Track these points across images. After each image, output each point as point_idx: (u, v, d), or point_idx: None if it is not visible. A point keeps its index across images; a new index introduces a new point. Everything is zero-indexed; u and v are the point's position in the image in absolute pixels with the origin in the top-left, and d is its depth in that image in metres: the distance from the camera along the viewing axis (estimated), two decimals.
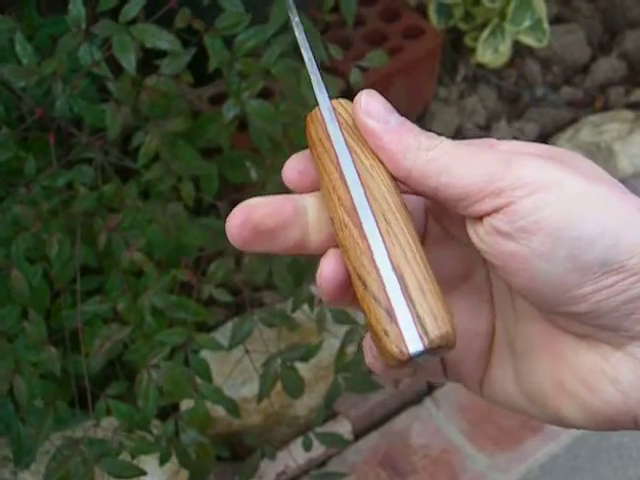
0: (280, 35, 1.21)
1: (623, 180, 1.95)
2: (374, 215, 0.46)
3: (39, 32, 1.36)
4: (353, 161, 0.48)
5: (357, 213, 0.46)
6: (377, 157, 0.49)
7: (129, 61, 1.11)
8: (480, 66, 2.18)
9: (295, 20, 0.54)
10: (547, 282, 0.47)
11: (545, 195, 0.46)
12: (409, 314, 0.43)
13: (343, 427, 1.69)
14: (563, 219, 0.46)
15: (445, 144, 0.49)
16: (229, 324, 1.62)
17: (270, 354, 1.28)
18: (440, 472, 1.68)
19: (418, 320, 0.43)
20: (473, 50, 2.13)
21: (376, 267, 0.45)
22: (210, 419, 1.24)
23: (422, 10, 2.09)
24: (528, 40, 2.09)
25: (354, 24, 1.29)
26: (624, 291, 0.46)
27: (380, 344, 0.44)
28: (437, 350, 0.43)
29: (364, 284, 0.45)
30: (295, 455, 1.59)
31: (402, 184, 0.49)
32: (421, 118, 2.13)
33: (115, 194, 1.24)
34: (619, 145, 1.98)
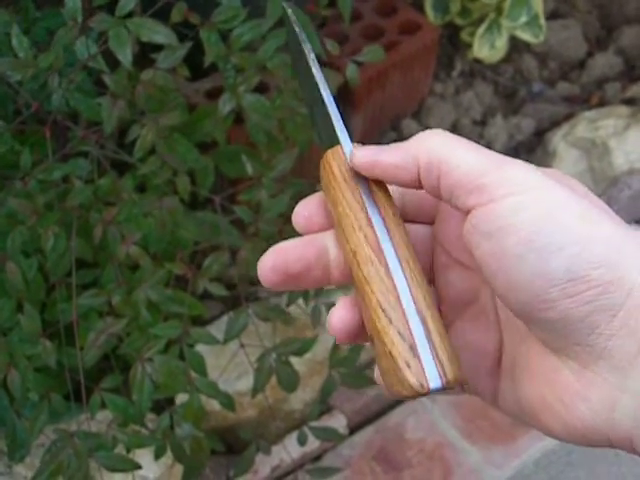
0: (276, 29, 1.21)
1: (618, 177, 1.95)
2: (398, 258, 0.50)
3: (35, 26, 1.35)
4: (376, 204, 0.52)
5: (383, 252, 0.50)
6: (393, 206, 0.53)
7: (125, 55, 1.11)
8: (476, 61, 2.18)
9: (311, 57, 0.57)
10: (520, 285, 0.48)
11: (524, 198, 0.48)
12: (430, 354, 0.48)
13: (338, 421, 1.69)
14: (538, 224, 0.47)
15: (446, 134, 0.51)
16: (224, 318, 1.62)
17: (265, 348, 1.28)
18: (435, 467, 1.69)
19: (438, 361, 0.48)
20: (469, 45, 2.13)
21: (401, 306, 0.49)
22: (205, 413, 1.24)
23: (418, 5, 2.09)
24: (525, 35, 2.09)
25: (350, 19, 1.29)
26: (588, 302, 0.47)
27: (399, 374, 0.47)
28: (448, 389, 0.48)
29: (389, 318, 0.49)
30: (290, 449, 1.59)
31: (410, 188, 0.53)
32: (417, 113, 2.13)
33: (111, 188, 1.24)
34: (615, 141, 1.98)
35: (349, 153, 0.54)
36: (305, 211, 0.56)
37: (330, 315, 0.53)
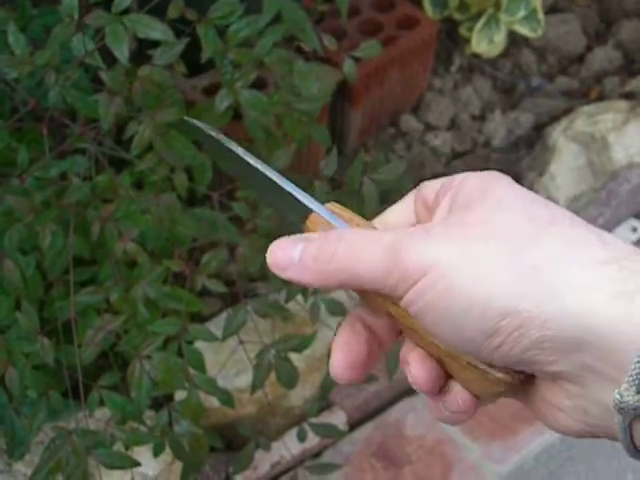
0: (273, 25, 1.21)
1: (617, 171, 1.95)
2: None
3: (32, 23, 1.35)
4: None
5: None
6: None
7: (122, 51, 1.11)
8: (475, 56, 2.18)
9: (240, 151, 0.61)
10: (456, 345, 0.51)
11: (424, 282, 0.50)
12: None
13: (338, 418, 1.69)
14: (441, 300, 0.50)
15: (338, 246, 0.53)
16: (223, 315, 1.62)
17: (264, 345, 1.28)
18: (435, 463, 1.69)
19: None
20: (468, 40, 2.13)
21: None
22: (204, 410, 1.24)
23: (417, 0, 2.08)
24: (523, 30, 2.09)
25: (348, 14, 1.29)
26: (515, 345, 0.49)
27: (489, 377, 0.52)
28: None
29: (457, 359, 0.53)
30: (290, 446, 1.59)
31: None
32: (416, 109, 2.13)
33: (108, 184, 1.23)
34: (614, 135, 1.98)
35: (324, 214, 0.56)
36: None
37: (410, 374, 0.55)
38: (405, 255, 0.51)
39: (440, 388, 0.55)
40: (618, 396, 0.46)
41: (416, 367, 0.54)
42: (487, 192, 0.53)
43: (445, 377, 0.55)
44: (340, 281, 0.53)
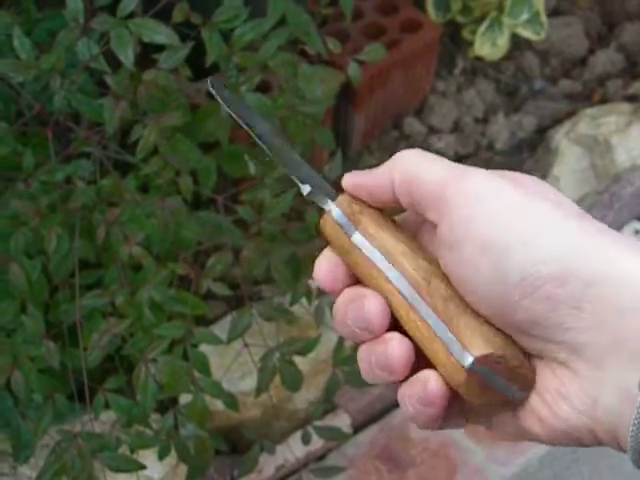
0: (278, 28, 1.21)
1: (620, 174, 1.95)
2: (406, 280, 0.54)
3: (37, 27, 1.35)
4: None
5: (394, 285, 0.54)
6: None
7: (127, 55, 1.11)
8: (478, 59, 2.18)
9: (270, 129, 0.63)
10: (482, 292, 0.50)
11: (476, 209, 0.50)
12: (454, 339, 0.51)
13: (342, 421, 1.69)
14: (490, 230, 0.49)
15: (419, 153, 0.55)
16: (228, 318, 1.62)
17: (269, 348, 1.28)
18: (439, 465, 1.69)
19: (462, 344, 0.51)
20: (471, 43, 2.13)
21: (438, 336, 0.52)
22: (209, 413, 1.24)
23: (420, 3, 2.08)
24: (526, 33, 2.09)
25: (352, 17, 1.29)
26: (547, 297, 0.48)
27: (450, 362, 0.51)
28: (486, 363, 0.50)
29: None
30: (294, 449, 1.59)
31: (392, 206, 0.57)
32: (419, 112, 2.13)
33: (113, 188, 1.24)
34: (617, 138, 1.98)
35: (332, 209, 0.58)
36: (324, 269, 0.58)
37: (388, 352, 0.54)
38: (468, 179, 0.52)
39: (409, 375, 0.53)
40: None
41: (393, 345, 0.53)
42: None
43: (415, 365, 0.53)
44: (396, 183, 0.54)
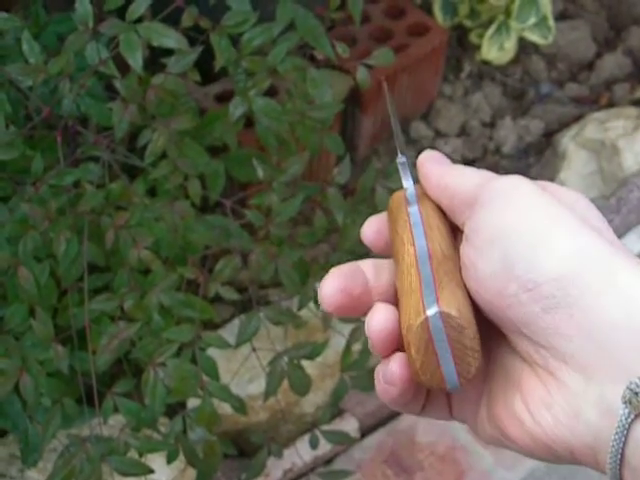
0: (286, 33, 1.22)
1: (627, 178, 1.95)
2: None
3: (46, 31, 1.36)
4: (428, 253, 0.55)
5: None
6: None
7: (136, 60, 1.12)
8: (485, 63, 2.18)
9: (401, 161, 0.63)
10: (485, 280, 0.51)
11: (499, 202, 0.52)
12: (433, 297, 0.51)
13: (349, 425, 1.69)
14: (506, 221, 0.51)
15: (456, 167, 0.58)
16: (236, 322, 1.62)
17: (277, 352, 1.28)
18: (446, 470, 1.69)
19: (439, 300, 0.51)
20: (478, 47, 2.13)
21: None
22: (217, 417, 1.24)
23: (427, 7, 2.09)
24: (533, 37, 2.09)
25: (360, 21, 1.29)
26: (544, 297, 0.48)
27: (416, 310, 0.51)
28: (447, 323, 0.50)
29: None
30: (302, 452, 1.59)
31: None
32: (426, 115, 2.13)
33: (122, 192, 1.24)
34: (624, 142, 1.98)
35: (409, 187, 0.60)
36: (374, 227, 0.60)
37: (369, 319, 0.54)
38: (496, 180, 0.54)
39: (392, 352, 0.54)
40: (637, 380, 0.44)
41: (378, 317, 0.53)
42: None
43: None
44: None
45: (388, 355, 0.53)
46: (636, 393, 0.44)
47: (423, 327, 0.50)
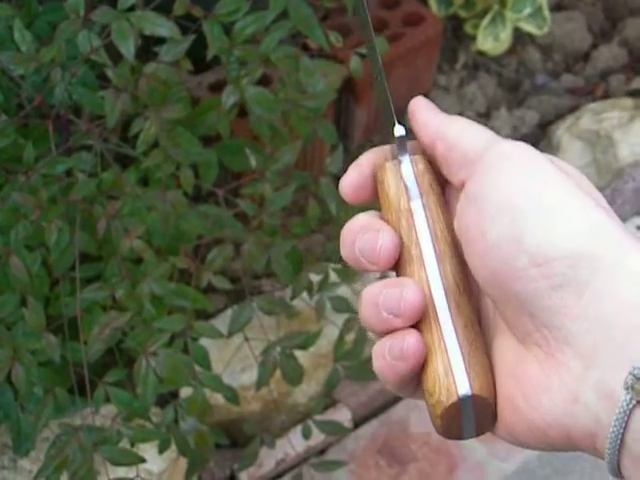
0: (279, 22, 1.21)
1: (622, 169, 1.95)
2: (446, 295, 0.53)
3: (38, 19, 1.35)
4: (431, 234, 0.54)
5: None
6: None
7: (128, 48, 1.11)
8: (480, 54, 2.18)
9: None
10: (492, 249, 0.49)
11: (512, 166, 0.50)
12: (462, 365, 0.51)
13: (342, 415, 1.69)
14: (516, 189, 0.49)
15: (460, 119, 0.56)
16: (228, 312, 1.62)
17: (269, 342, 1.28)
18: (439, 460, 1.69)
19: (468, 373, 0.51)
20: (473, 38, 2.13)
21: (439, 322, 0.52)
22: (209, 407, 1.24)
23: None
24: (529, 27, 2.09)
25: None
26: (556, 274, 0.47)
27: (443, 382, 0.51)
28: (476, 403, 0.51)
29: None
30: (294, 443, 1.59)
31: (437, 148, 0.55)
32: None
33: (114, 181, 1.23)
34: (619, 133, 1.97)
35: (406, 166, 0.56)
36: (354, 183, 0.57)
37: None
38: (501, 142, 0.52)
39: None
40: (638, 368, 0.44)
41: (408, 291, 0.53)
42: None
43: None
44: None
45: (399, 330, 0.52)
46: (638, 379, 0.44)
47: (454, 405, 0.51)
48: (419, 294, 0.52)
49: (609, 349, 0.46)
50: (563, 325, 0.47)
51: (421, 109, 0.58)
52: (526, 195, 0.49)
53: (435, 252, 0.53)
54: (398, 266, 0.54)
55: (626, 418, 0.44)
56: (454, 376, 0.50)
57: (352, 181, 0.56)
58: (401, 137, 0.57)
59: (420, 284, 0.52)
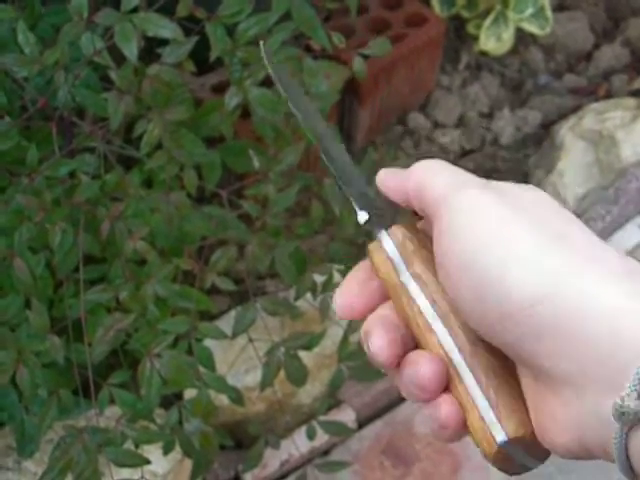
0: (282, 23, 1.21)
1: (625, 168, 1.95)
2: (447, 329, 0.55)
3: (41, 21, 1.35)
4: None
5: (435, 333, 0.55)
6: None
7: (131, 50, 1.11)
8: (483, 54, 2.18)
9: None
10: (465, 310, 0.52)
11: (461, 224, 0.51)
12: (492, 413, 0.53)
13: (347, 415, 1.69)
14: (472, 247, 0.50)
15: (434, 162, 0.56)
16: (232, 313, 1.62)
17: (273, 343, 1.28)
18: (443, 461, 1.69)
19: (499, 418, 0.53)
20: (476, 38, 2.13)
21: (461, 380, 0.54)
22: (214, 408, 1.24)
23: None
24: (531, 27, 2.09)
25: (356, 12, 1.29)
26: (522, 325, 0.48)
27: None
28: (517, 443, 0.53)
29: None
30: (299, 444, 1.59)
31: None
32: (424, 106, 2.13)
33: (118, 183, 1.23)
34: (622, 133, 1.97)
35: (385, 242, 0.57)
36: (346, 300, 0.58)
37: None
38: (464, 189, 0.52)
39: (399, 361, 0.55)
40: (619, 401, 0.44)
41: (379, 335, 0.54)
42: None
43: (404, 349, 0.55)
44: (410, 189, 0.56)
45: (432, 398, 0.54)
46: (622, 413, 0.45)
47: (498, 452, 0.53)
48: (432, 367, 0.53)
49: (594, 382, 0.47)
50: (546, 367, 0.49)
51: (387, 179, 0.58)
52: (479, 252, 0.50)
53: (438, 315, 0.54)
54: (416, 338, 0.56)
55: (624, 444, 0.46)
56: (489, 427, 0.53)
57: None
58: (366, 222, 0.59)
59: (435, 350, 0.54)
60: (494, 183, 0.54)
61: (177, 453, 1.29)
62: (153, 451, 1.30)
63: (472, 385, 0.53)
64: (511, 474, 0.55)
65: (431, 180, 0.54)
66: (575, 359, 0.47)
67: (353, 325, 1.34)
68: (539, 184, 1.97)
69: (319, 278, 1.33)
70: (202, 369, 1.22)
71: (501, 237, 0.50)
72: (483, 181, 0.54)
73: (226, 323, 1.54)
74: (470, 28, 2.15)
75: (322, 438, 1.62)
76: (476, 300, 0.50)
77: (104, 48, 1.16)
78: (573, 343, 0.47)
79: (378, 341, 0.55)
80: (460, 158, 2.06)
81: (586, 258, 0.49)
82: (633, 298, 0.46)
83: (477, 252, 0.50)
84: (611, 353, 0.45)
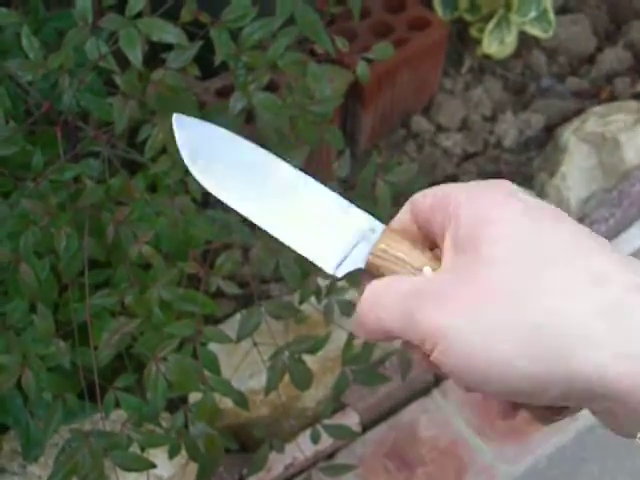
0: (286, 27, 1.21)
1: (629, 171, 1.95)
2: None
3: (45, 26, 1.36)
4: None
5: None
6: None
7: (136, 55, 1.12)
8: (486, 57, 2.18)
9: None
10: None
11: (439, 350, 0.52)
12: None
13: (351, 419, 1.69)
14: (460, 362, 0.52)
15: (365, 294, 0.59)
16: (237, 316, 1.62)
17: (278, 346, 1.28)
18: (448, 464, 1.69)
19: None
20: (479, 41, 2.13)
21: None
22: (218, 411, 1.24)
23: (427, 1, 2.08)
24: (534, 31, 2.09)
25: (359, 16, 1.29)
26: (541, 397, 0.51)
27: None
28: None
29: None
30: (303, 447, 1.59)
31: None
32: (427, 110, 2.13)
33: (122, 187, 1.24)
34: (625, 136, 1.97)
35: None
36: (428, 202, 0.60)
37: None
38: (419, 316, 0.53)
39: None
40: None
41: None
42: (485, 227, 0.53)
43: None
44: (373, 328, 0.58)
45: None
46: None
47: None
48: None
49: (625, 414, 0.49)
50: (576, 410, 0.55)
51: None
52: (469, 368, 0.52)
53: None
54: None
55: None
56: None
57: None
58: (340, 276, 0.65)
59: None
60: None
61: (182, 457, 1.28)
62: (159, 455, 1.30)
63: None
64: None
65: (385, 308, 0.57)
66: (598, 405, 0.51)
67: None
68: (542, 187, 1.97)
69: (323, 282, 1.33)
70: (207, 373, 1.22)
71: (487, 345, 0.52)
72: (432, 283, 0.57)
73: (231, 327, 1.54)
74: (473, 32, 2.15)
75: (326, 442, 1.62)
76: (480, 384, 0.53)
77: (109, 53, 1.16)
78: (589, 396, 0.50)
79: None
80: (463, 161, 2.06)
81: (567, 306, 0.51)
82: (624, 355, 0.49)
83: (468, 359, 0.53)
84: (625, 400, 0.49)
